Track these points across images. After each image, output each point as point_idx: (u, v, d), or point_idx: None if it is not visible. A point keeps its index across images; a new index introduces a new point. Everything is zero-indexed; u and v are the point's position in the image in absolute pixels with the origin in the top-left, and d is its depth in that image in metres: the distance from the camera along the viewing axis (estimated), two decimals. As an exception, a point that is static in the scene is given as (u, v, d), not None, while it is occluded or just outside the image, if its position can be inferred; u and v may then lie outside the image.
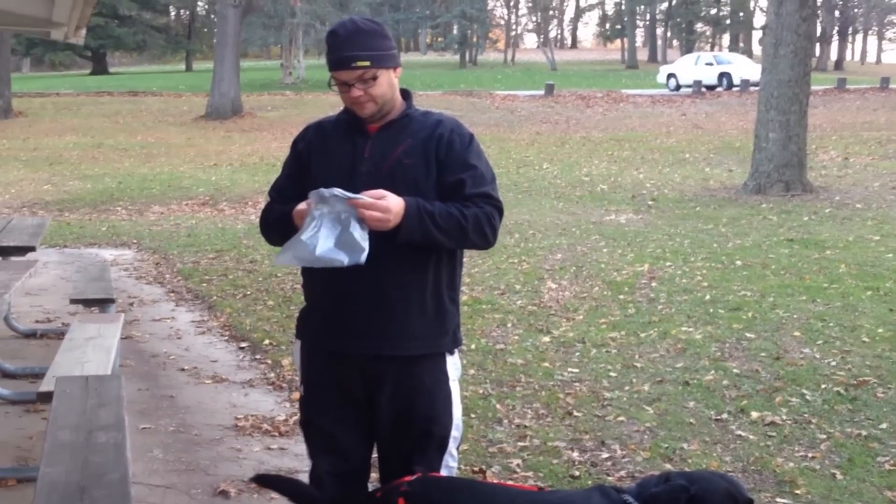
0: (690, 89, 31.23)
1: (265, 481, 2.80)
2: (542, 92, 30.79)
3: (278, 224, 2.54)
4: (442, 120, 2.54)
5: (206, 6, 57.39)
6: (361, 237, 2.29)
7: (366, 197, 2.29)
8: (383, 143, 2.48)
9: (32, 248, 5.36)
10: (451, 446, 2.61)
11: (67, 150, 19.39)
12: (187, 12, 57.76)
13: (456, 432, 2.61)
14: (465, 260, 2.67)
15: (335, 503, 2.55)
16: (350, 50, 2.41)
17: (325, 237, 2.29)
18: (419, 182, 2.44)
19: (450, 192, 2.45)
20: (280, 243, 2.60)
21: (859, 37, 65.99)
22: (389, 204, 2.31)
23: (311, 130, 2.62)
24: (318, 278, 2.57)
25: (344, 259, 2.29)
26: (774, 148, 12.12)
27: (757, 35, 52.18)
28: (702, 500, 2.11)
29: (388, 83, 2.46)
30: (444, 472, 2.60)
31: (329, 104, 26.02)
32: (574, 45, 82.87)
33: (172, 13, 59.05)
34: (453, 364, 2.60)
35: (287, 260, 2.38)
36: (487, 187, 2.48)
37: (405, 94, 2.57)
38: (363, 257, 2.28)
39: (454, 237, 2.42)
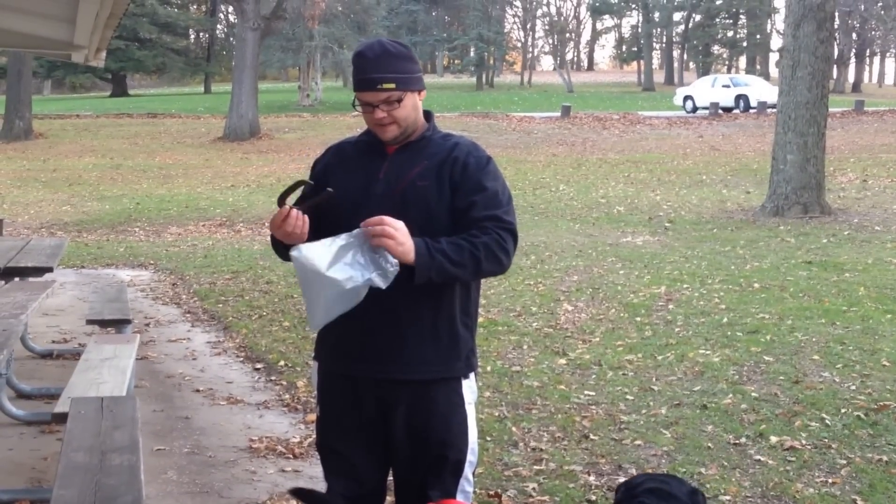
0: (707, 111, 31.18)
1: (300, 494, 2.75)
2: (558, 114, 30.84)
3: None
4: (459, 142, 2.53)
5: (226, 29, 58.02)
6: (376, 259, 2.28)
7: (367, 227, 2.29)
8: (399, 165, 2.47)
9: (50, 269, 5.39)
10: (467, 470, 2.59)
11: (86, 172, 19.56)
12: (207, 35, 58.35)
13: (472, 456, 2.58)
14: (480, 282, 2.65)
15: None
16: (376, 72, 2.40)
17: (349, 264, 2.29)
18: (431, 205, 2.43)
19: (461, 215, 2.42)
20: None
21: (877, 59, 65.78)
22: (393, 221, 2.29)
23: (332, 152, 2.62)
24: None
25: (376, 278, 2.27)
26: (792, 170, 12.07)
27: (774, 57, 52.13)
28: None
29: (412, 106, 2.46)
30: (460, 497, 2.57)
31: (346, 126, 26.14)
32: (591, 67, 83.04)
33: (192, 36, 59.67)
34: (469, 387, 2.58)
35: (322, 319, 2.38)
36: (499, 210, 2.44)
37: (427, 116, 2.56)
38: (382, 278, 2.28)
39: (469, 269, 2.38)
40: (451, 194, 2.44)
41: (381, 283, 2.28)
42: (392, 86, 2.40)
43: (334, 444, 2.60)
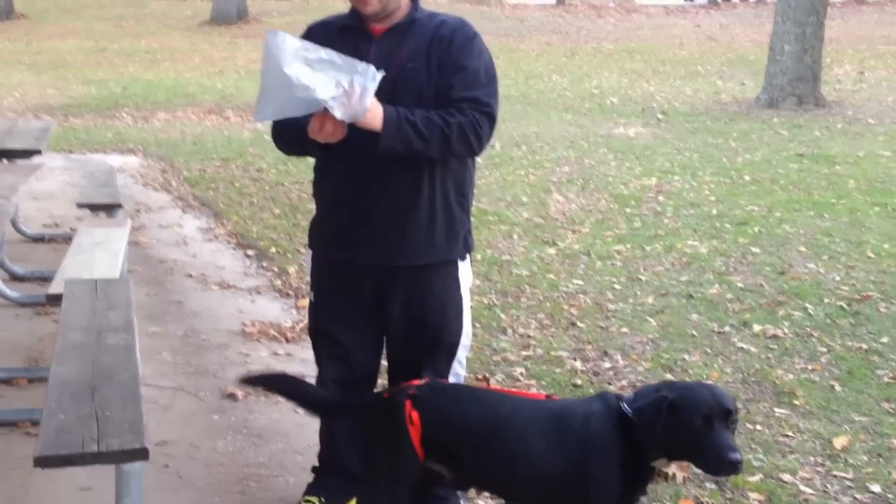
0: (705, 0, 30.52)
1: (268, 383, 2.66)
2: (553, 1, 30.12)
3: (295, 140, 2.47)
4: (446, 20, 2.48)
5: None
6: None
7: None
8: (387, 48, 2.42)
9: (38, 152, 5.33)
10: (461, 354, 2.65)
11: (71, 54, 19.12)
12: (190, -87, 56.19)
13: (465, 339, 2.64)
14: (474, 161, 2.64)
15: (342, 404, 2.59)
16: None
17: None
18: (422, 86, 2.40)
19: (442, 96, 2.39)
20: (297, 152, 2.57)
21: (881, -53, 64.08)
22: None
23: (316, 32, 2.55)
24: (327, 188, 2.56)
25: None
26: (789, 61, 11.90)
27: (776, -56, 50.69)
28: (680, 406, 2.17)
29: None
30: (451, 380, 2.64)
31: (336, 11, 25.30)
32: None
33: (175, -87, 57.44)
34: (465, 272, 2.61)
35: (267, 114, 2.30)
36: (479, 91, 2.40)
37: None
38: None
39: (436, 147, 2.36)
40: (438, 75, 2.41)
41: (337, 113, 2.20)
42: None
43: (328, 328, 2.64)
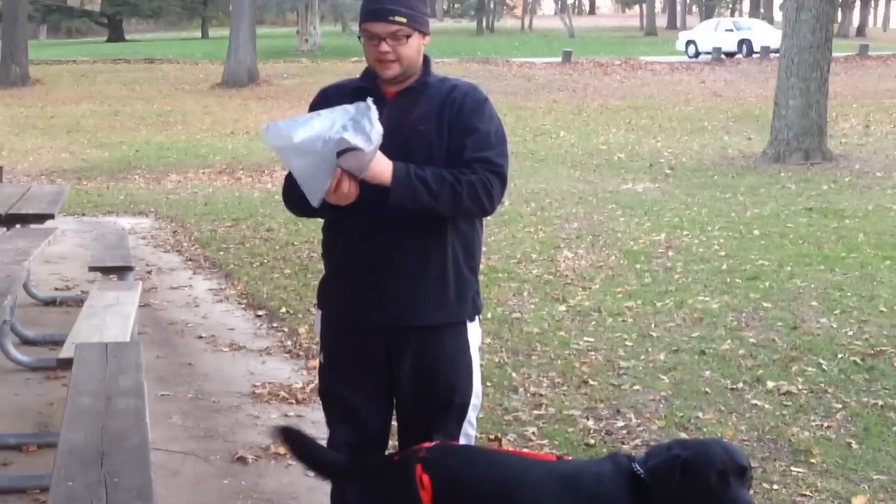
0: (710, 56, 30.89)
1: (287, 437, 2.60)
2: (559, 59, 30.53)
3: (306, 201, 2.49)
4: (457, 85, 2.52)
5: (222, -27, 57.04)
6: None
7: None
8: (399, 110, 2.46)
9: (51, 216, 5.39)
10: (471, 415, 2.63)
11: (84, 118, 19.43)
12: (203, -21, 57.41)
13: (475, 400, 2.62)
14: (483, 223, 2.66)
15: (353, 468, 2.56)
16: (390, 3, 2.38)
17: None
18: (432, 148, 2.43)
19: (454, 157, 2.43)
20: (307, 213, 2.56)
21: (882, 2, 64.91)
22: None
23: (330, 95, 2.58)
24: (338, 248, 2.57)
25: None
26: (794, 115, 11.99)
27: (778, 0, 51.35)
28: (694, 464, 2.17)
29: (416, 47, 2.44)
30: (462, 441, 2.61)
31: (346, 72, 25.87)
32: (592, 11, 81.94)
33: (188, -20, 58.69)
34: (474, 332, 2.60)
35: (319, 190, 2.30)
36: (489, 152, 2.43)
37: (425, 61, 2.55)
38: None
39: (447, 203, 2.38)
40: (449, 137, 2.44)
41: (362, 143, 2.20)
42: (403, 20, 2.38)
43: (338, 390, 2.62)
